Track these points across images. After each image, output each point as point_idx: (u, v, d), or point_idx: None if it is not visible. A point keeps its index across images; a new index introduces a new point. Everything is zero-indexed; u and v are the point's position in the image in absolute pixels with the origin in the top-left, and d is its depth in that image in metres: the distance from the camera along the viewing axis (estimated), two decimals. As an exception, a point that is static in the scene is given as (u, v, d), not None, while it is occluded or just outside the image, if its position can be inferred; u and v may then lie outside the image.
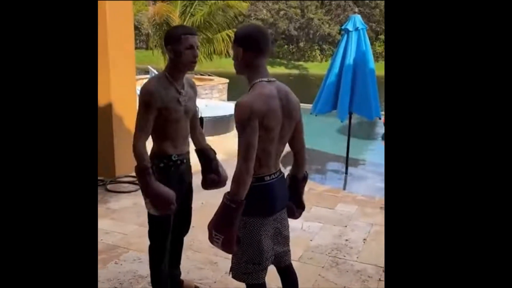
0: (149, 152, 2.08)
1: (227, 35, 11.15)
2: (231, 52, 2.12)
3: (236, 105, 1.60)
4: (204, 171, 2.34)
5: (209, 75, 13.09)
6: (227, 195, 1.60)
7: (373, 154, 7.97)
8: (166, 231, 2.18)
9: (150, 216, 2.16)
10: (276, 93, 1.67)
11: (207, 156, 2.33)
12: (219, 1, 10.43)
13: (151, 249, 2.22)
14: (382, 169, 6.33)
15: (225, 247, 1.65)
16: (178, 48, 1.96)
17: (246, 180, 1.55)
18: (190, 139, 2.31)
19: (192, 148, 2.32)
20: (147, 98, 1.95)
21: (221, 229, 1.61)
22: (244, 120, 1.56)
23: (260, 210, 1.72)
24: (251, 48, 1.66)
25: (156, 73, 8.81)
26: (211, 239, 1.66)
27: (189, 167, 2.27)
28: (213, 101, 9.79)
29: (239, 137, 1.59)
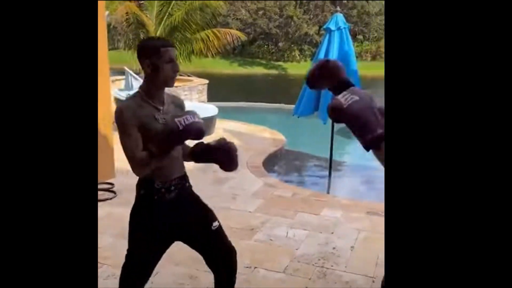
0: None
1: (206, 35, 10.96)
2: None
3: None
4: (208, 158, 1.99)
5: (188, 76, 12.83)
6: None
7: (355, 155, 7.92)
8: (141, 276, 1.95)
9: (128, 253, 1.94)
10: None
11: (197, 152, 1.98)
12: (196, 0, 10.22)
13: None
14: (363, 171, 6.38)
15: None
16: (156, 62, 1.74)
17: None
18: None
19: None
20: (120, 119, 1.73)
21: None
22: None
23: None
24: None
25: (132, 74, 8.52)
26: None
27: (186, 196, 1.95)
28: (192, 102, 9.55)
29: None
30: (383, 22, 36.84)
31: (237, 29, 15.77)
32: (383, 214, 3.90)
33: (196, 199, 2.00)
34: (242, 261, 2.34)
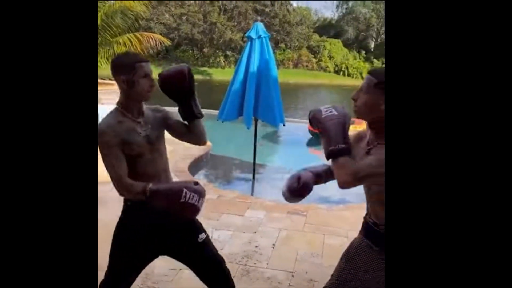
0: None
1: (128, 38, 10.65)
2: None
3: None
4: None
5: (110, 80, 12.35)
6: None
7: (279, 159, 8.24)
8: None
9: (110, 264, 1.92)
10: None
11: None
12: (117, 1, 9.91)
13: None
14: (287, 174, 6.66)
15: None
16: (132, 78, 1.74)
17: None
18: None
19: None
20: (102, 139, 1.70)
21: None
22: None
23: None
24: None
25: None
26: None
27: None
28: (112, 106, 9.24)
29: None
30: (304, 31, 38.32)
31: (160, 34, 15.52)
32: (303, 213, 4.15)
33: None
34: (167, 263, 2.38)
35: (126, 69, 1.74)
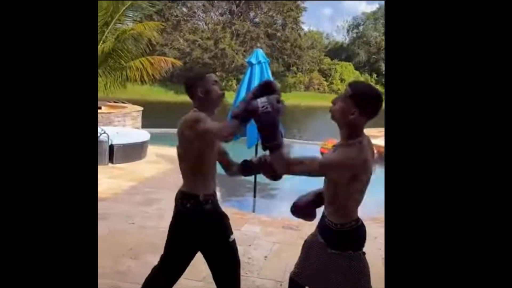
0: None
1: (141, 62, 11.11)
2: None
3: (336, 157, 1.65)
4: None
5: (123, 102, 12.85)
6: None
7: (286, 178, 8.40)
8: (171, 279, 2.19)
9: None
10: (368, 144, 1.71)
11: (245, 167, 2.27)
12: (130, 28, 10.42)
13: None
14: (287, 191, 6.85)
15: None
16: (205, 86, 2.05)
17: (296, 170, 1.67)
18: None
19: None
20: (200, 120, 1.92)
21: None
22: (333, 171, 1.63)
23: (362, 243, 1.79)
24: (367, 114, 1.64)
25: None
26: None
27: (216, 209, 2.19)
28: (125, 128, 9.64)
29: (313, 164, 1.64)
30: (315, 55, 38.44)
31: (174, 58, 16.05)
32: (297, 228, 4.33)
33: (221, 213, 2.23)
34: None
35: (200, 80, 2.07)
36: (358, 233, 1.76)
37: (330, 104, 1.71)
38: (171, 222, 2.13)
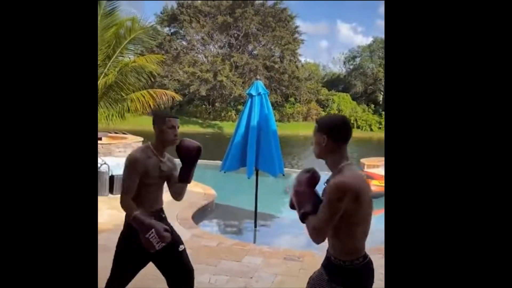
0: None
1: (142, 95, 11.29)
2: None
3: (331, 185, 1.68)
4: None
5: (123, 133, 12.93)
6: None
7: (284, 207, 8.39)
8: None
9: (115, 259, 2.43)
10: (361, 174, 1.79)
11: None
12: (132, 61, 10.64)
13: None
14: (289, 222, 6.83)
15: None
16: (161, 128, 2.40)
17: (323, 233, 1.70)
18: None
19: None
20: (132, 164, 2.32)
21: None
22: (337, 199, 1.64)
23: (369, 284, 1.78)
24: (336, 136, 1.76)
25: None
26: None
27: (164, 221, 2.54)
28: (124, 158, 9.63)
29: (325, 211, 1.67)
30: (313, 86, 38.90)
31: (174, 90, 16.31)
32: (299, 259, 4.34)
33: (169, 226, 2.50)
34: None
35: (160, 120, 2.41)
36: (368, 269, 1.74)
37: None
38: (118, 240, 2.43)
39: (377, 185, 8.22)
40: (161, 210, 2.56)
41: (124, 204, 2.32)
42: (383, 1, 1.37)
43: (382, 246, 4.65)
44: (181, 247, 2.52)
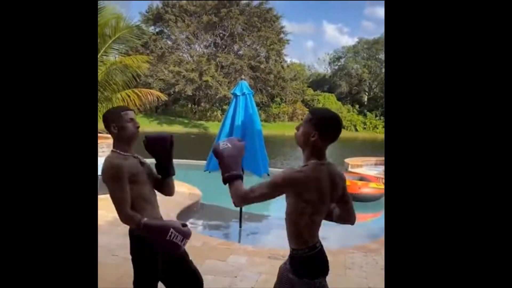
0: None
1: (127, 94, 11.21)
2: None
3: (288, 170, 1.74)
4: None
5: (106, 133, 12.81)
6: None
7: (269, 207, 8.44)
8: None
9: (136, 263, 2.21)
10: (326, 175, 1.77)
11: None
12: (116, 61, 10.57)
13: None
14: (275, 221, 6.88)
15: None
16: (119, 123, 2.15)
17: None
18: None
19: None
20: (111, 174, 2.05)
21: None
22: (283, 184, 1.70)
23: (318, 273, 1.80)
24: (327, 136, 1.75)
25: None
26: None
27: None
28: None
29: (266, 185, 1.72)
30: (298, 86, 39.14)
31: (159, 89, 16.23)
32: (284, 258, 4.33)
33: None
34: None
35: (116, 117, 2.16)
36: (313, 260, 1.78)
37: None
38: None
39: (375, 188, 8.33)
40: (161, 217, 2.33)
41: (125, 218, 2.05)
42: (369, 2, 1.40)
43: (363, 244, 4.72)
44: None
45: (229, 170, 1.76)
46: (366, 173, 11.03)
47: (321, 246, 1.82)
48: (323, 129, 1.74)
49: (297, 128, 1.82)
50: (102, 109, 10.72)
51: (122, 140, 2.18)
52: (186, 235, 2.06)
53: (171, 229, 2.00)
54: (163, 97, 11.60)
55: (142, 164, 2.24)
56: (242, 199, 1.72)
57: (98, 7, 9.22)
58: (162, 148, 2.26)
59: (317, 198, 1.72)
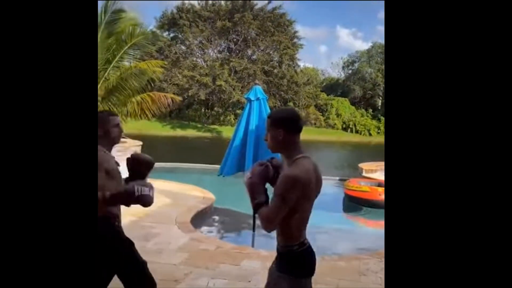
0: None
1: (141, 98, 11.35)
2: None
3: (283, 177, 1.74)
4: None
5: (122, 137, 12.95)
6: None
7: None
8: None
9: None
10: (312, 167, 1.81)
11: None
12: (132, 66, 10.71)
13: None
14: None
15: None
16: (105, 127, 2.36)
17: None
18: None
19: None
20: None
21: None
22: (288, 190, 1.70)
23: (305, 272, 1.82)
24: (291, 129, 1.81)
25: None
26: None
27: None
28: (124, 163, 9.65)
29: (277, 202, 1.71)
30: (311, 90, 38.90)
31: (173, 94, 16.37)
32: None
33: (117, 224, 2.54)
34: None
35: (104, 121, 2.38)
36: (302, 257, 1.79)
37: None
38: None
39: None
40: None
41: (103, 203, 2.17)
42: (383, 6, 1.41)
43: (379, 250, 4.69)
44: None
45: (253, 200, 1.78)
46: (381, 178, 10.92)
47: (309, 244, 1.83)
48: (284, 124, 1.80)
49: (266, 139, 1.86)
50: (119, 113, 10.87)
51: (105, 142, 2.38)
52: (150, 185, 2.24)
53: (135, 186, 2.16)
54: (178, 99, 11.69)
55: (118, 165, 2.44)
56: (266, 225, 1.72)
57: (118, 17, 9.39)
58: (141, 170, 2.46)
59: (308, 192, 1.74)
